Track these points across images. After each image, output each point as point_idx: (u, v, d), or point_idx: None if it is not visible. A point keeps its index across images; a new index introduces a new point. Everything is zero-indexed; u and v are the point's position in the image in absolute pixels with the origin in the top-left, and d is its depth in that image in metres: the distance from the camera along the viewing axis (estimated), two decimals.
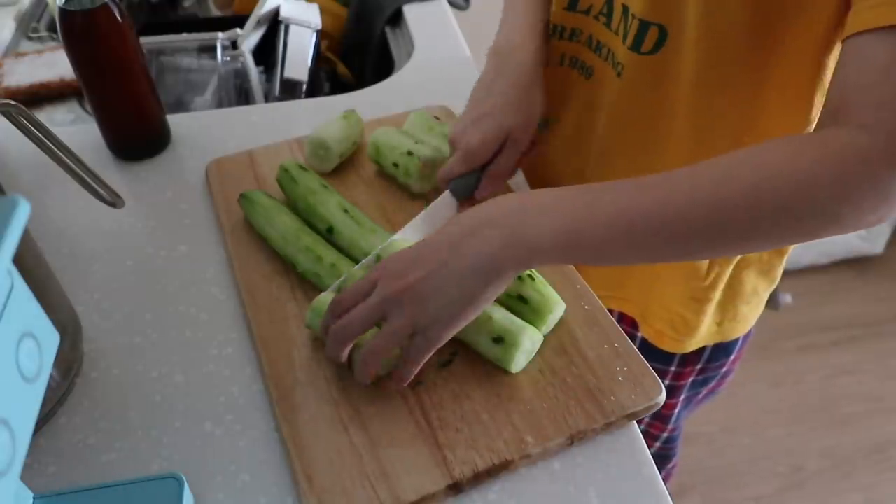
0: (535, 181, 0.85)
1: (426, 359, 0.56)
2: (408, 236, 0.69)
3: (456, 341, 0.63)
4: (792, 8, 0.59)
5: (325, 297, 0.63)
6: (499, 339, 0.60)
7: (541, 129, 0.75)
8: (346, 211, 0.72)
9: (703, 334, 0.84)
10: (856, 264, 2.14)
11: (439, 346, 0.55)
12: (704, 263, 0.77)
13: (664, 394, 0.60)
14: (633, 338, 0.87)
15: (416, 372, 0.57)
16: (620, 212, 0.51)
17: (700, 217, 0.50)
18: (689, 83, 0.66)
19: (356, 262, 0.69)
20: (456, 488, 0.54)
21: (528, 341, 0.60)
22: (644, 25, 0.65)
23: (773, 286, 0.84)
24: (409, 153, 0.77)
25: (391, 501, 0.53)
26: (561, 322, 0.65)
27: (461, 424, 0.58)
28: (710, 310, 0.82)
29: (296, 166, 0.77)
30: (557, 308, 0.63)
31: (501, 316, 0.61)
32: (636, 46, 0.67)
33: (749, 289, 0.82)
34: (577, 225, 0.52)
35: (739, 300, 0.83)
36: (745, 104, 0.67)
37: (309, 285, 0.69)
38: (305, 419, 0.59)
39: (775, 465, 1.71)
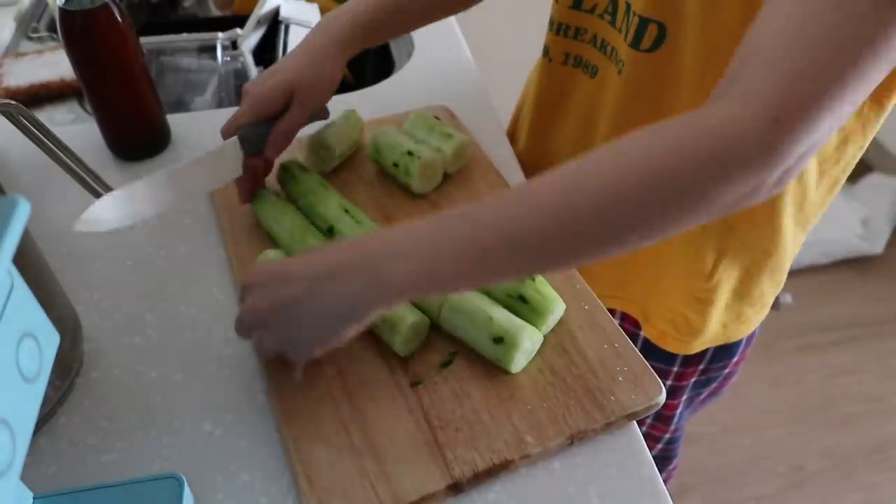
0: None
1: (302, 362, 0.58)
2: (189, 172, 0.70)
3: (456, 341, 0.63)
4: None
5: (267, 256, 0.68)
6: (499, 340, 0.60)
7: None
8: (346, 211, 0.72)
9: (709, 336, 0.84)
10: (856, 264, 2.14)
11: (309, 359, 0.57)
12: (708, 264, 0.77)
13: (664, 394, 0.60)
14: (635, 338, 0.87)
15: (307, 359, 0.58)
16: (473, 240, 0.49)
17: (551, 228, 0.48)
18: (689, 81, 0.66)
19: None
20: (456, 488, 0.54)
21: (528, 341, 0.60)
22: (643, 22, 0.65)
23: (780, 289, 0.84)
24: (409, 153, 0.77)
25: (391, 501, 0.53)
26: (561, 322, 0.65)
27: (461, 424, 0.58)
28: (716, 311, 0.81)
29: (296, 165, 0.77)
30: (557, 308, 0.63)
31: (501, 316, 0.61)
32: (636, 44, 0.67)
33: (757, 292, 0.81)
34: (431, 264, 0.50)
35: (746, 302, 0.82)
36: None
37: None
38: (305, 419, 0.59)
39: (775, 465, 1.71)
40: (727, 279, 0.79)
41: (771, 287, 0.82)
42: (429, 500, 0.54)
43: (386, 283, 0.51)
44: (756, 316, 0.85)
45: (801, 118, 0.44)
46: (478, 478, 0.55)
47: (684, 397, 0.95)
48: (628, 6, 0.67)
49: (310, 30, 0.76)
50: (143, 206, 0.67)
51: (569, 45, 0.76)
